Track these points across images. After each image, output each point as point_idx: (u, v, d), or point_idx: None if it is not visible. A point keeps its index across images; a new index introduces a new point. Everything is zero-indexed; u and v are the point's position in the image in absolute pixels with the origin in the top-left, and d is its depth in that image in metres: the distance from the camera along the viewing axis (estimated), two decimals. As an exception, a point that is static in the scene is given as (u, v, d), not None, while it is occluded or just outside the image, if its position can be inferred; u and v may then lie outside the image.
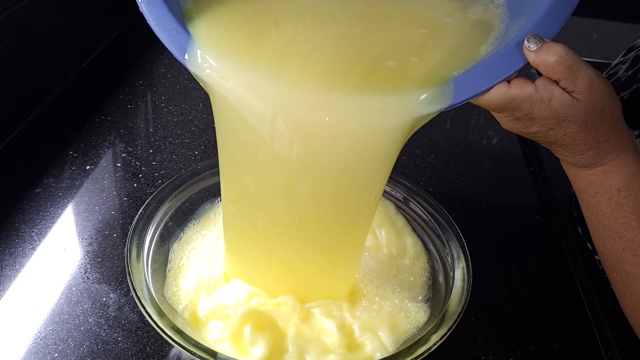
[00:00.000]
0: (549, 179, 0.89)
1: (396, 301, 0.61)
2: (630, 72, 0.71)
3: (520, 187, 0.90)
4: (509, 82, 0.47)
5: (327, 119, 0.46)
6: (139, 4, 0.50)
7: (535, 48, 0.45)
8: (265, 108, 0.46)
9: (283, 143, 0.48)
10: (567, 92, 0.46)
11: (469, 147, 0.97)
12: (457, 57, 0.49)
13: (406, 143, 0.93)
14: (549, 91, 0.46)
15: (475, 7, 0.55)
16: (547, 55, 0.45)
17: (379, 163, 0.50)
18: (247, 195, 0.54)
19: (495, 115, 0.50)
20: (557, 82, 0.46)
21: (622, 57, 0.76)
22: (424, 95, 0.46)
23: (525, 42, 0.45)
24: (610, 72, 0.76)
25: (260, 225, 0.55)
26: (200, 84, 0.49)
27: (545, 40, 0.45)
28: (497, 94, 0.46)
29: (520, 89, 0.46)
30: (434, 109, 0.47)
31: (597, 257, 0.72)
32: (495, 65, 0.47)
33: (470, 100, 0.48)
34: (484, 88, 0.47)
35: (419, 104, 0.46)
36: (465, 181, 0.89)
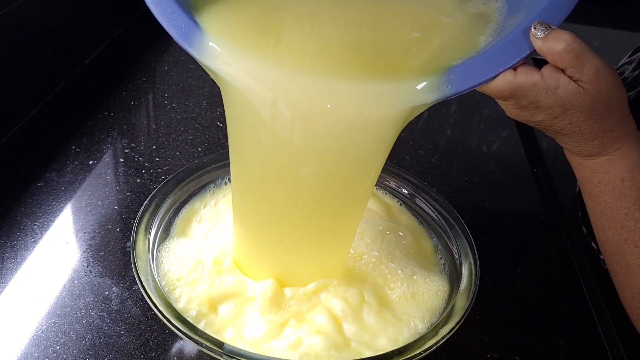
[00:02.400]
0: (553, 180, 0.89)
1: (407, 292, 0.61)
2: (636, 73, 0.71)
3: (524, 188, 0.90)
4: (514, 69, 0.46)
5: (329, 105, 0.46)
6: None
7: (542, 35, 0.45)
8: (266, 92, 0.47)
9: (284, 127, 0.48)
10: (574, 81, 0.46)
11: (473, 149, 0.97)
12: (457, 48, 0.50)
13: (409, 143, 0.94)
14: (556, 79, 0.46)
15: (475, 1, 0.55)
16: (554, 43, 0.45)
17: (376, 148, 0.50)
18: (253, 181, 0.54)
19: (501, 103, 0.50)
20: (563, 71, 0.46)
21: (628, 57, 0.76)
22: (422, 84, 0.46)
23: (532, 29, 0.45)
24: (617, 72, 0.75)
25: (264, 210, 0.56)
26: (204, 68, 0.49)
27: (553, 27, 0.45)
28: (503, 82, 0.46)
29: (526, 77, 0.46)
30: (432, 97, 0.47)
31: (602, 257, 0.72)
32: (502, 52, 0.46)
33: (476, 88, 0.48)
34: (490, 75, 0.47)
35: (416, 93, 0.47)
36: (469, 181, 0.89)
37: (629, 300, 0.55)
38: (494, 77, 0.47)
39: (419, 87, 0.46)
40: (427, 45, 0.51)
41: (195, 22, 0.48)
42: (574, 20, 0.48)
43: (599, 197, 0.53)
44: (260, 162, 0.52)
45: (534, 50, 0.46)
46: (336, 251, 0.61)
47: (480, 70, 0.47)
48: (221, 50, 0.47)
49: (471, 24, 0.52)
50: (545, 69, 0.46)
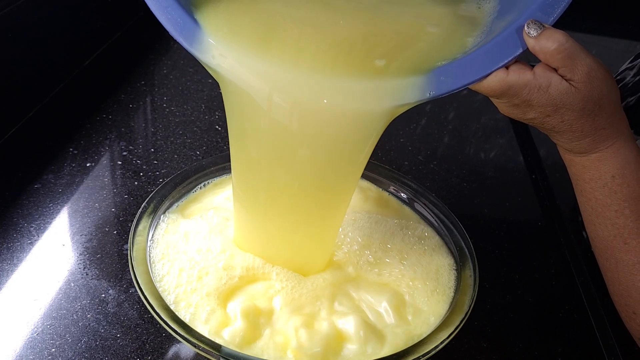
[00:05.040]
0: (551, 186, 0.89)
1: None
2: (637, 78, 0.71)
3: (523, 195, 0.90)
4: (507, 68, 0.46)
5: (325, 101, 0.48)
6: None
7: (535, 34, 0.45)
8: (258, 86, 0.48)
9: (277, 118, 0.49)
10: (566, 80, 0.46)
11: (471, 155, 0.97)
12: (445, 49, 0.50)
13: (408, 149, 0.94)
14: (547, 78, 0.46)
15: (468, 5, 0.55)
16: (547, 42, 0.45)
17: (362, 140, 0.52)
18: (250, 169, 0.56)
19: (493, 100, 0.50)
20: (555, 70, 0.46)
21: (629, 63, 0.76)
22: (407, 83, 0.47)
23: (525, 28, 0.45)
24: (618, 77, 0.76)
25: (260, 196, 0.58)
26: (200, 62, 0.50)
27: (546, 26, 0.45)
28: (495, 80, 0.46)
29: (518, 75, 0.46)
30: (418, 97, 0.48)
31: None
32: (494, 50, 0.47)
33: (469, 86, 0.48)
34: (482, 74, 0.47)
35: (400, 92, 0.48)
36: (467, 187, 0.89)
37: (618, 297, 0.55)
38: (487, 76, 0.47)
39: (405, 86, 0.47)
40: (417, 47, 0.51)
41: (191, 16, 0.48)
42: (573, 29, 0.48)
43: (589, 194, 0.53)
44: (254, 151, 0.54)
45: (527, 48, 0.46)
46: (326, 235, 0.62)
47: (473, 68, 0.47)
48: (216, 44, 0.48)
49: (459, 26, 0.53)
50: (538, 68, 0.47)
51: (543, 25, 0.45)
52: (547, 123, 0.49)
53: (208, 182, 0.69)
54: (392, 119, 0.50)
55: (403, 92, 0.48)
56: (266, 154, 0.54)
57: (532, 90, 0.46)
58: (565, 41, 0.45)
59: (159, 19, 0.49)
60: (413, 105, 0.49)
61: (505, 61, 0.46)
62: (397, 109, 0.49)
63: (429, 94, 0.48)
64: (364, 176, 0.74)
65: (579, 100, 0.46)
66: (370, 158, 0.75)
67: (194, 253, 0.60)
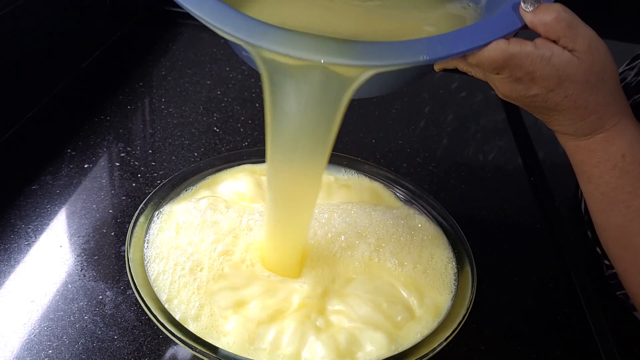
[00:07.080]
0: (550, 188, 0.89)
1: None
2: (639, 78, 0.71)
3: (522, 197, 0.90)
4: (507, 40, 0.46)
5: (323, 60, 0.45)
6: None
7: (532, 9, 0.45)
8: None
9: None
10: (568, 51, 0.45)
11: (470, 157, 0.97)
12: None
13: (407, 151, 0.93)
14: (549, 48, 0.45)
15: (455, 5, 0.56)
16: (544, 15, 0.44)
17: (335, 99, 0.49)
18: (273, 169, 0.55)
19: (493, 78, 0.48)
20: (556, 42, 0.46)
21: (627, 65, 0.76)
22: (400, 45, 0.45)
23: (522, 4, 0.45)
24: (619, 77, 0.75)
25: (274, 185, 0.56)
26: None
27: (542, 1, 0.45)
28: (497, 50, 0.45)
29: (519, 46, 0.45)
30: (407, 59, 0.45)
31: (606, 262, 0.71)
32: (491, 25, 0.46)
33: (469, 60, 0.47)
34: (481, 42, 0.45)
35: (393, 51, 0.45)
36: (466, 189, 0.89)
37: (637, 287, 0.53)
38: (485, 45, 0.45)
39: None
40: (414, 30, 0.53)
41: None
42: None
43: (599, 179, 0.51)
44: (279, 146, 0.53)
45: (524, 25, 0.46)
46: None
47: (471, 36, 0.46)
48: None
49: (454, 24, 0.53)
50: (538, 40, 0.46)
51: (539, 1, 0.45)
52: (550, 99, 0.47)
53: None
54: (372, 74, 0.47)
55: (395, 52, 0.45)
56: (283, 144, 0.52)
57: (535, 60, 0.45)
58: (563, 11, 0.45)
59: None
60: (403, 67, 0.46)
61: (504, 33, 0.46)
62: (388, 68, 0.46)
63: (423, 57, 0.45)
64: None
65: (582, 71, 0.46)
66: (368, 160, 0.75)
67: (186, 246, 0.60)
